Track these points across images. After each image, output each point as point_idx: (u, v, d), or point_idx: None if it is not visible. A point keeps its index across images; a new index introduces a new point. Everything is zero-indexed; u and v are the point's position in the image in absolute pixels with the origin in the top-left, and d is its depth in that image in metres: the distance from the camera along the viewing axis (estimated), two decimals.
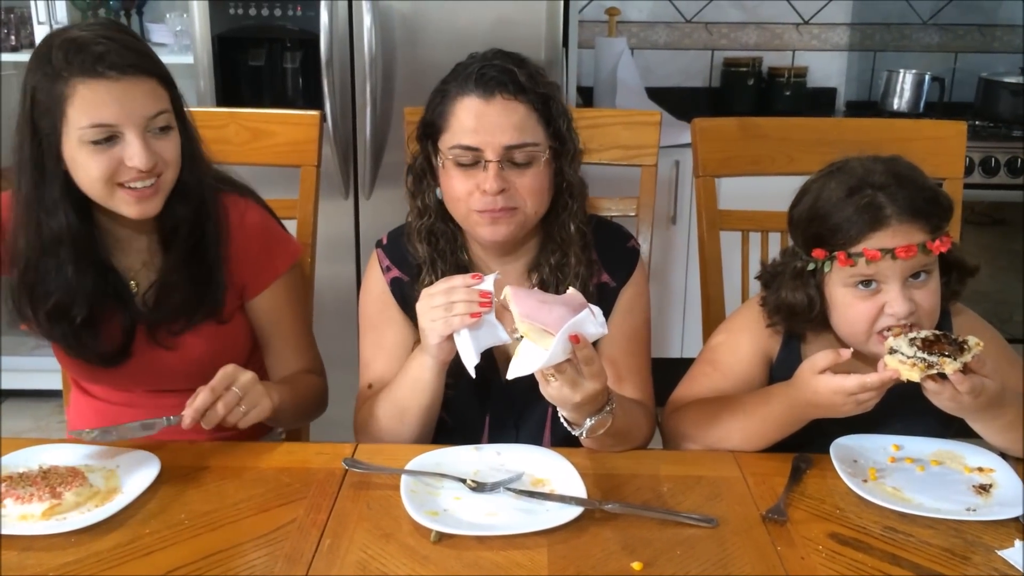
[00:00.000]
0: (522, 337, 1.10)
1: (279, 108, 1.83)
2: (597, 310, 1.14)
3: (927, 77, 3.29)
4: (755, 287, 1.48)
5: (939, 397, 1.16)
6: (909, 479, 1.22)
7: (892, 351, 1.16)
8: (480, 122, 1.32)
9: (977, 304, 2.95)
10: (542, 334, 1.09)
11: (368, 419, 1.38)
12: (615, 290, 1.44)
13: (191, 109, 1.40)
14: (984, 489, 1.19)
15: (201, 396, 1.24)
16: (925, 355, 1.13)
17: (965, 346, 1.14)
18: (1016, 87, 3.19)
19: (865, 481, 1.20)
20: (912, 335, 1.17)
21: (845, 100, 3.54)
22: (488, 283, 1.22)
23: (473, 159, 1.32)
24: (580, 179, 1.44)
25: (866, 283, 1.26)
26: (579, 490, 1.16)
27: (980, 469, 1.23)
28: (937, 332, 1.17)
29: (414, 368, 1.32)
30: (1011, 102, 3.19)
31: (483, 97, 1.32)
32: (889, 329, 1.25)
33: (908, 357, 1.13)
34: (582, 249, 1.42)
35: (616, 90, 3.26)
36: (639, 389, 1.41)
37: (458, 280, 1.24)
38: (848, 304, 1.28)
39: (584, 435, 1.22)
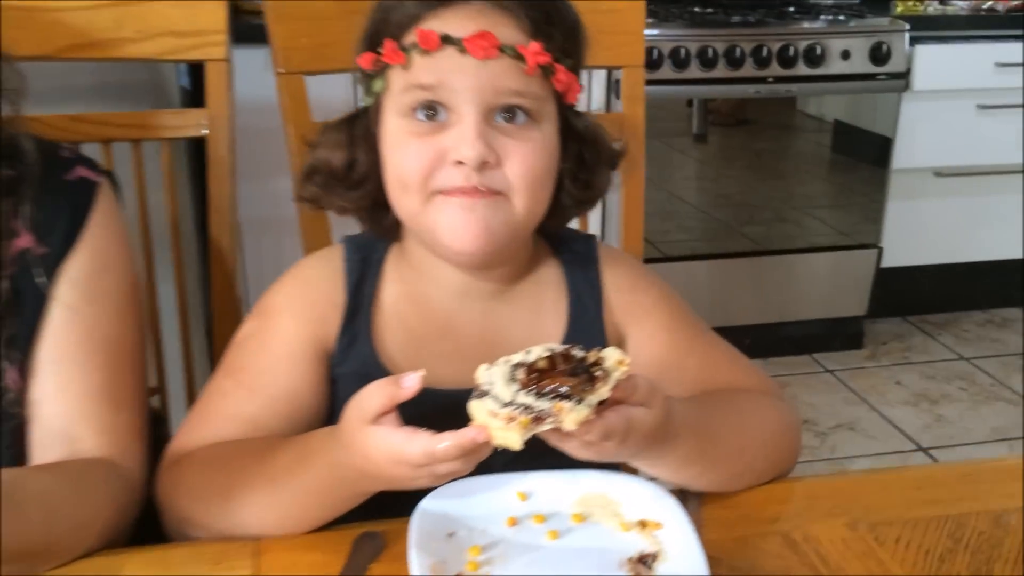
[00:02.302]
0: None
1: None
2: None
3: None
4: None
5: (567, 446, 0.69)
6: (531, 561, 0.74)
7: (482, 394, 0.67)
8: None
9: (718, 208, 2.67)
10: None
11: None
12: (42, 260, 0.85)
13: None
14: (645, 564, 0.73)
15: None
16: (531, 400, 0.65)
17: (598, 370, 0.67)
18: None
19: None
20: (516, 358, 0.68)
21: None
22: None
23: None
24: None
25: (429, 110, 0.80)
26: None
27: (643, 524, 0.77)
28: (555, 349, 0.68)
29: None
30: None
31: None
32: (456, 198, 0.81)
33: (504, 406, 0.65)
34: None
35: None
36: None
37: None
38: (399, 144, 0.82)
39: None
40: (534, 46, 0.79)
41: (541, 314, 0.90)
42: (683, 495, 0.80)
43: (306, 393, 0.87)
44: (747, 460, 0.84)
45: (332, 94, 1.24)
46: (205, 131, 1.24)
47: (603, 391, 0.65)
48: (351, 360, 0.87)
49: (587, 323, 0.91)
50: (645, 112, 1.30)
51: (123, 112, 1.23)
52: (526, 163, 0.81)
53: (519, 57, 0.78)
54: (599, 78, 2.25)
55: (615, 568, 0.73)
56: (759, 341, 2.79)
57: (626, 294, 0.93)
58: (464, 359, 0.81)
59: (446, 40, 0.77)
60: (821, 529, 0.77)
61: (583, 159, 0.87)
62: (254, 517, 0.77)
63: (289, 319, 0.88)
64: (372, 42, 0.83)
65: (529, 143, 0.81)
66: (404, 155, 0.81)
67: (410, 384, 0.68)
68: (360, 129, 0.86)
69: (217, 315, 1.23)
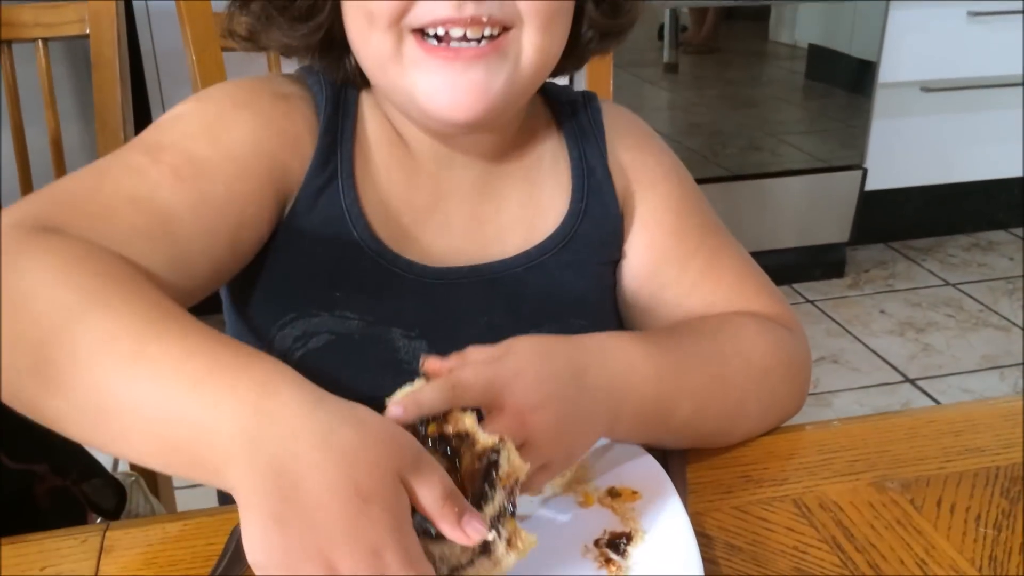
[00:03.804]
0: None
1: None
2: None
3: None
4: None
5: None
6: None
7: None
8: None
9: (691, 136, 2.52)
10: None
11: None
12: None
13: None
14: (616, 548, 0.56)
15: None
16: None
17: (495, 475, 0.48)
18: None
19: None
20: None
21: None
22: None
23: None
24: None
25: None
26: None
27: (612, 494, 0.60)
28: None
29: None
30: None
31: None
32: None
33: None
34: None
35: None
36: None
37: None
38: None
39: None
40: None
41: (540, 181, 0.72)
42: (663, 453, 0.63)
43: (247, 221, 0.62)
44: (737, 416, 0.67)
45: None
46: (87, 30, 1.04)
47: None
48: (324, 208, 0.66)
49: (595, 185, 0.72)
50: None
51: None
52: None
53: None
54: None
55: (576, 556, 0.56)
56: None
57: (634, 152, 0.74)
58: (454, 235, 0.68)
59: None
60: (841, 491, 0.61)
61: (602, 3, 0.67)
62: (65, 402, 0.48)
63: (251, 115, 0.65)
64: None
65: None
66: None
67: (473, 533, 0.45)
68: None
69: None
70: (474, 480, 0.47)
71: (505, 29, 0.60)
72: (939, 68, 2.60)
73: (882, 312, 2.65)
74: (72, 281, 0.50)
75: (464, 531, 0.44)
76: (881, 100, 2.59)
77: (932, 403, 2.24)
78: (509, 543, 0.46)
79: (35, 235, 0.53)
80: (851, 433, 0.68)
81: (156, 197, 0.59)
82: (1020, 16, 2.54)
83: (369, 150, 0.69)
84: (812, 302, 2.70)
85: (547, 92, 0.74)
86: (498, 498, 0.47)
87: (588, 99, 0.76)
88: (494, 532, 0.46)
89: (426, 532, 0.45)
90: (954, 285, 2.79)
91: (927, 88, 2.62)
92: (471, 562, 0.46)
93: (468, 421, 0.49)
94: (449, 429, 0.48)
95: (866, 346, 2.47)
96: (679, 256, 0.73)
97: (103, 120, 1.04)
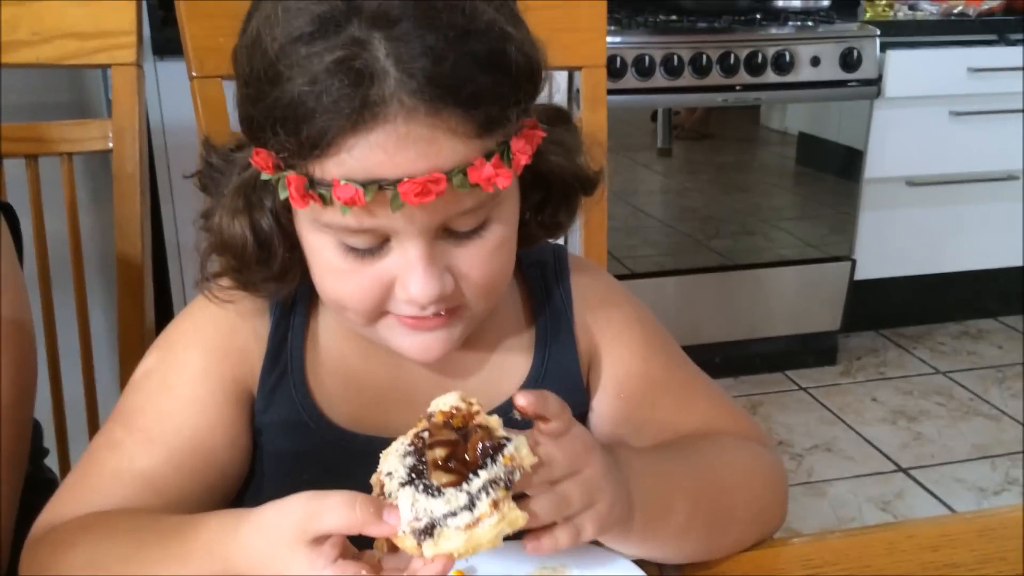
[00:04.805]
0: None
1: None
2: None
3: None
4: None
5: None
6: None
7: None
8: None
9: (684, 222, 2.58)
10: None
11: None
12: None
13: None
14: None
15: None
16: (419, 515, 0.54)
17: (499, 455, 0.54)
18: None
19: None
20: (406, 444, 0.56)
21: None
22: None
23: None
24: None
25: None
26: None
27: None
28: (448, 437, 0.55)
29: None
30: None
31: None
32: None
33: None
34: None
35: None
36: None
37: None
38: (329, 270, 0.66)
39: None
40: (488, 169, 0.60)
41: (504, 346, 0.77)
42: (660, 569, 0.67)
43: (220, 445, 0.71)
44: (728, 521, 0.70)
45: None
46: (110, 145, 1.10)
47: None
48: (279, 404, 0.72)
49: (558, 350, 0.77)
50: (608, 121, 1.17)
51: (16, 124, 1.08)
52: (484, 272, 0.66)
53: (471, 185, 0.60)
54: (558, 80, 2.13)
55: None
56: (729, 359, 2.70)
57: (597, 310, 0.79)
58: (419, 406, 0.68)
59: (371, 185, 0.58)
60: None
61: (550, 195, 0.73)
62: None
63: (198, 352, 0.72)
64: (258, 131, 0.61)
65: (485, 247, 0.66)
66: (339, 284, 0.66)
67: (395, 521, 0.54)
68: (266, 203, 0.67)
69: (123, 355, 1.08)
70: (476, 454, 0.54)
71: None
72: (923, 163, 2.69)
73: (874, 400, 2.69)
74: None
75: (385, 521, 0.53)
76: (868, 194, 2.68)
77: (925, 493, 2.26)
78: (495, 506, 0.52)
79: (38, 546, 0.66)
80: (834, 548, 0.71)
81: (135, 466, 0.69)
82: (1000, 115, 2.64)
83: (324, 337, 0.75)
84: (805, 389, 2.74)
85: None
86: (495, 469, 0.53)
87: (558, 262, 0.80)
88: (482, 492, 0.53)
89: (425, 488, 0.53)
90: (944, 373, 2.83)
91: (912, 182, 2.71)
92: (453, 513, 0.52)
93: (493, 421, 0.56)
94: (477, 421, 0.56)
95: (859, 434, 2.51)
96: (650, 398, 0.77)
97: (123, 231, 1.09)
